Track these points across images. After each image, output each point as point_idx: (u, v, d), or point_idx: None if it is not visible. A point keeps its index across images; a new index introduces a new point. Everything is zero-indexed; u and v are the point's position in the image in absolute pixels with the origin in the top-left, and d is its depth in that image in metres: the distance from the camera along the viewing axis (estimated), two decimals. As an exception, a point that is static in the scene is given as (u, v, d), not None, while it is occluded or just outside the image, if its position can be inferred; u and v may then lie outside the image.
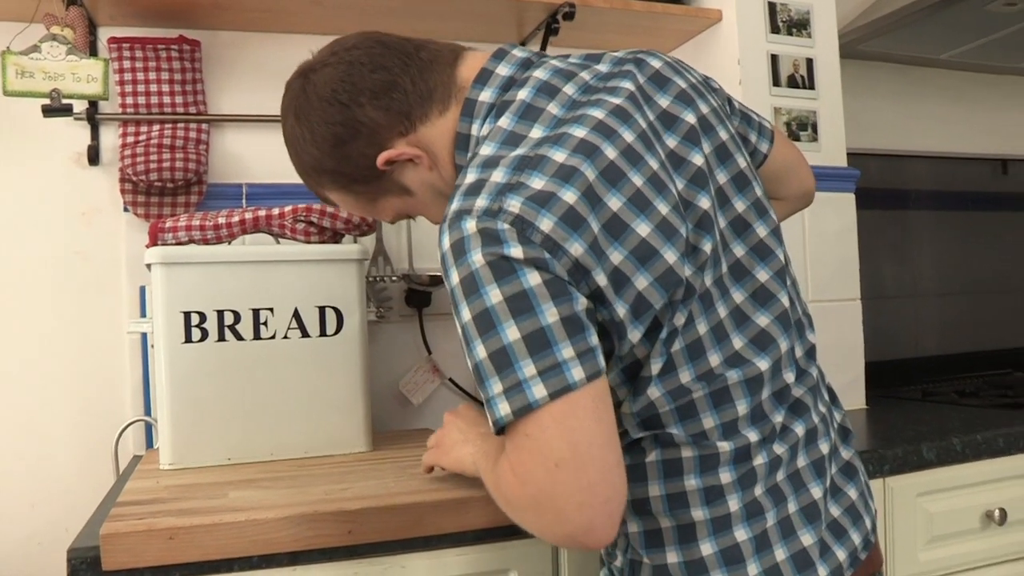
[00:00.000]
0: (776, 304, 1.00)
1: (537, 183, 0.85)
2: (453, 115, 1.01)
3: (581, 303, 0.84)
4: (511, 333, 0.81)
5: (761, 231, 1.02)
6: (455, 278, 0.85)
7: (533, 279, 0.82)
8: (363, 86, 1.02)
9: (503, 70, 1.00)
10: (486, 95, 0.99)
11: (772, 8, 1.99)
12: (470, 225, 0.84)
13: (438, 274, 1.92)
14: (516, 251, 0.82)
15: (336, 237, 1.60)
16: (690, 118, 0.99)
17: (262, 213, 1.56)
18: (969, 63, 2.52)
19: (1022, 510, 1.63)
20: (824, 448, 1.01)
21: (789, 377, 1.00)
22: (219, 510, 1.12)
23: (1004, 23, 2.15)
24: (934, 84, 2.57)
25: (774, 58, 1.97)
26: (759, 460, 0.95)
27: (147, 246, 1.52)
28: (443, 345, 1.99)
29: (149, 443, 1.77)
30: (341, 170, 1.07)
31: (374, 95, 1.01)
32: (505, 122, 0.94)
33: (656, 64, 1.03)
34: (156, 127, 1.82)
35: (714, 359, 0.94)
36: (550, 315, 0.82)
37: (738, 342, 0.96)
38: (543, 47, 1.97)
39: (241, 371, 1.49)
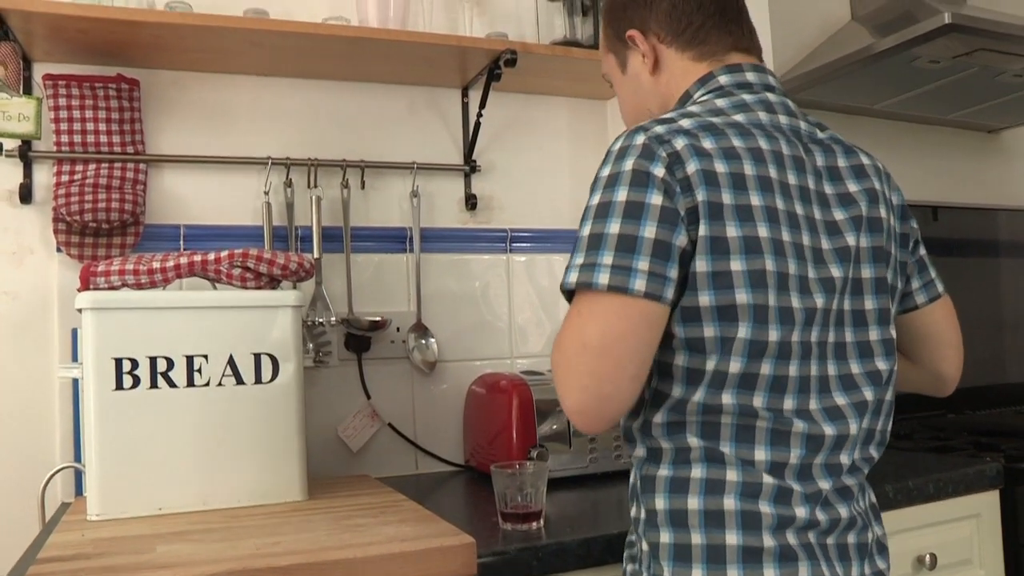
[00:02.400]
0: (858, 395, 1.06)
1: (706, 144, 1.00)
2: (698, 71, 1.16)
3: (681, 240, 0.96)
4: (614, 227, 0.96)
5: (873, 335, 1.09)
6: (605, 172, 1.01)
7: (656, 199, 0.96)
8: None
9: (750, 76, 1.13)
10: (725, 79, 1.13)
11: (710, 58, 2.02)
12: (640, 139, 1.00)
13: (377, 319, 1.91)
14: (659, 172, 0.97)
15: (273, 283, 1.58)
16: (863, 211, 1.09)
17: (198, 258, 1.54)
18: (900, 113, 2.60)
19: (952, 554, 1.66)
20: (851, 540, 1.05)
21: (845, 460, 1.04)
22: (145, 567, 1.09)
23: (930, 78, 2.22)
24: (867, 133, 2.63)
25: (712, 107, 2.00)
26: (800, 512, 1.00)
27: (79, 290, 1.49)
28: (382, 390, 1.97)
29: (78, 490, 1.72)
30: (613, 17, 1.25)
31: (672, 5, 1.17)
32: (720, 103, 1.08)
33: (863, 160, 1.15)
34: (92, 166, 1.79)
35: (788, 403, 1.01)
36: (649, 231, 0.95)
37: (813, 404, 1.02)
38: (485, 92, 1.98)
39: (174, 419, 1.46)
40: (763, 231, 0.98)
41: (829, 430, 1.02)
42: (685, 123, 1.02)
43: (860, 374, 1.07)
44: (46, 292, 1.77)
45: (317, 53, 1.86)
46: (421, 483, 1.87)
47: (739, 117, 1.06)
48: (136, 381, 1.45)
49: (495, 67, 1.92)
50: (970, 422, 2.44)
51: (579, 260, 0.98)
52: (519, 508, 1.36)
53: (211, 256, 1.54)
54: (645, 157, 0.98)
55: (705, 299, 0.97)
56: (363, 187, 1.99)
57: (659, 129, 1.01)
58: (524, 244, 2.16)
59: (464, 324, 2.07)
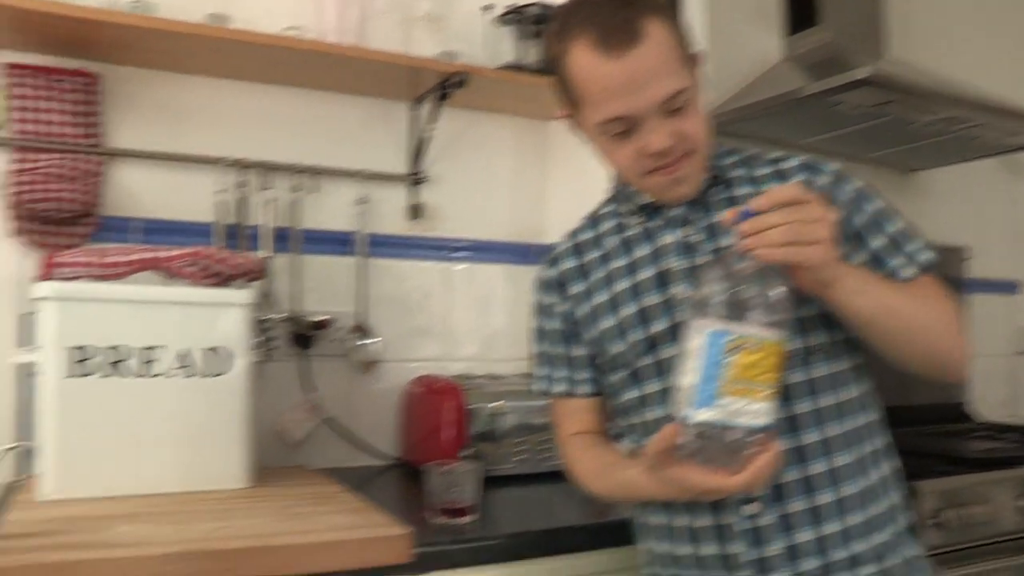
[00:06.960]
0: None
1: None
2: None
3: None
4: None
5: None
6: (859, 183, 1.23)
7: None
8: None
9: None
10: None
11: (650, 88, 2.14)
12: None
13: (320, 318, 2.00)
14: None
15: (226, 281, 1.66)
16: None
17: (155, 255, 1.61)
18: (825, 148, 2.77)
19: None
20: None
21: None
22: (106, 545, 1.18)
23: (851, 121, 2.38)
24: (792, 164, 2.79)
25: (648, 135, 2.13)
26: None
27: (40, 279, 1.56)
28: (323, 386, 2.06)
29: (22, 469, 1.77)
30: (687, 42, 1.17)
31: None
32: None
33: None
34: (50, 156, 1.84)
35: None
36: None
37: None
38: (434, 109, 2.08)
39: (127, 407, 1.54)
40: None
41: None
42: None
43: None
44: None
45: (274, 61, 1.93)
46: (355, 476, 1.96)
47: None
48: (92, 369, 1.51)
49: (445, 87, 2.02)
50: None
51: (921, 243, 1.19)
52: (451, 504, 1.47)
53: (167, 253, 1.62)
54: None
55: None
56: (313, 191, 2.08)
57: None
58: (464, 253, 2.27)
59: (404, 327, 2.17)
